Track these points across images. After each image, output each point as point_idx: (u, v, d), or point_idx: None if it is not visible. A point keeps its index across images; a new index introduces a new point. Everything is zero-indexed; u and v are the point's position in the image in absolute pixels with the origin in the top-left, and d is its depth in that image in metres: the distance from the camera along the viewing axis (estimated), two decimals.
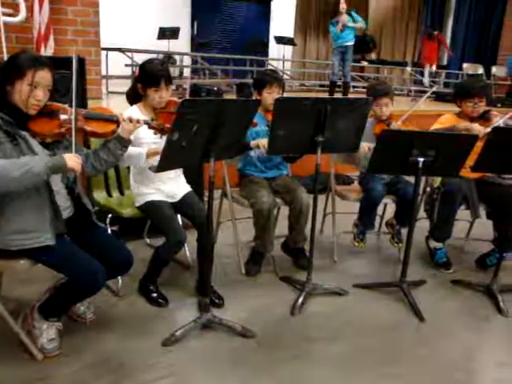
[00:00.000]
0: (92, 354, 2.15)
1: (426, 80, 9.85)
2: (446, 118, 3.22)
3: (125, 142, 2.16)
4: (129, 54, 6.72)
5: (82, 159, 1.93)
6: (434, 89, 3.00)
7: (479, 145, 2.58)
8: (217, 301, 2.60)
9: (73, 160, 1.87)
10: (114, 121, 2.14)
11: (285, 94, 3.00)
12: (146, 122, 2.24)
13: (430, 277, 3.11)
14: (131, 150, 2.28)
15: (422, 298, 2.77)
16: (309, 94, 8.52)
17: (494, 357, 2.37)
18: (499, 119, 3.03)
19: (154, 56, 7.16)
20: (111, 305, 2.56)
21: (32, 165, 1.79)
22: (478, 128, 2.96)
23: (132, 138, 2.29)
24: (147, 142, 2.49)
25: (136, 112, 2.49)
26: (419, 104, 2.97)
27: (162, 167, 2.09)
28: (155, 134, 2.31)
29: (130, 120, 2.14)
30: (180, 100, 2.06)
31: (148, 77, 2.46)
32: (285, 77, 10.12)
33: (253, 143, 2.83)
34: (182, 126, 1.98)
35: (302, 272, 2.85)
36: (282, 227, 3.18)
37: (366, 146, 2.85)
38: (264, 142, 2.74)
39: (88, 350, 2.18)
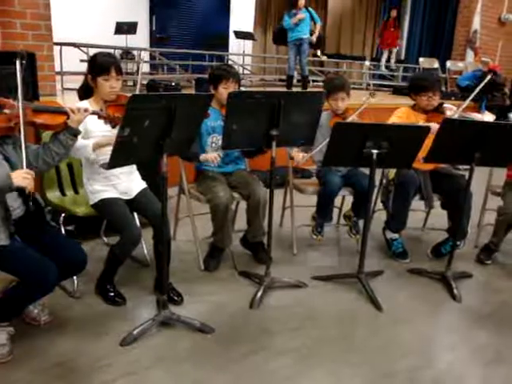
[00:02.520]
0: (46, 358, 2.09)
1: (383, 65, 10.32)
2: (401, 111, 3.28)
3: (75, 132, 2.17)
4: (84, 49, 6.53)
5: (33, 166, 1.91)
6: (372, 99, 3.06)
7: (432, 137, 2.65)
8: (175, 298, 2.58)
9: (22, 178, 1.86)
10: (64, 112, 2.15)
11: (245, 89, 3.00)
12: (95, 112, 2.27)
13: (388, 267, 3.18)
14: (78, 142, 2.25)
15: (379, 288, 2.83)
16: (269, 88, 8.52)
17: (448, 340, 2.45)
18: (454, 112, 3.10)
19: (110, 51, 7.03)
20: (67, 306, 2.50)
21: None
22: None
23: (82, 129, 2.26)
24: (97, 134, 2.45)
25: (86, 105, 2.43)
26: (371, 100, 3.03)
27: (113, 164, 2.05)
28: (105, 123, 2.31)
29: (78, 110, 2.16)
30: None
31: (98, 66, 2.44)
32: (245, 72, 10.11)
33: (202, 158, 2.84)
34: (133, 121, 1.95)
35: (262, 266, 2.85)
36: (241, 222, 3.18)
37: (301, 155, 2.96)
38: (213, 156, 2.77)
39: (42, 353, 2.12)
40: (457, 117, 3.05)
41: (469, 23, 10.64)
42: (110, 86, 2.42)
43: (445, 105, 3.19)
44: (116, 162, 2.05)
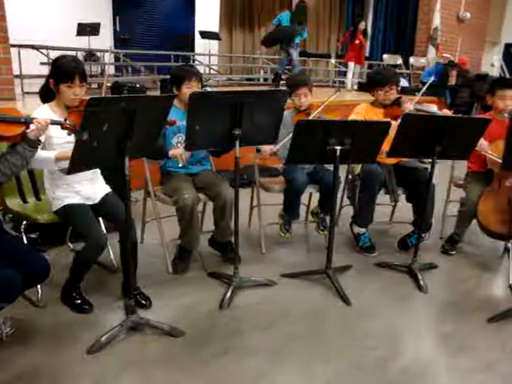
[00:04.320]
0: (7, 371, 2.03)
1: (349, 81, 9.25)
2: (360, 107, 3.33)
3: (34, 144, 2.10)
4: (44, 51, 6.39)
5: None
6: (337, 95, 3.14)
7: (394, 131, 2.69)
8: (144, 302, 2.55)
9: None
10: (23, 122, 2.06)
11: (211, 89, 2.98)
12: (58, 123, 2.19)
13: (356, 261, 3.22)
14: (40, 153, 2.19)
15: (348, 283, 2.86)
16: (236, 88, 8.51)
17: (415, 331, 2.49)
18: (410, 105, 3.16)
19: (72, 53, 6.89)
20: (32, 316, 2.44)
21: None
22: None
23: (43, 138, 2.20)
24: (59, 142, 2.38)
25: (46, 111, 2.38)
26: (333, 97, 3.08)
27: (73, 169, 2.00)
28: (69, 134, 2.23)
29: (38, 122, 2.08)
30: None
31: (61, 72, 2.34)
32: (211, 72, 10.07)
33: (171, 153, 2.82)
34: (92, 125, 1.91)
35: (231, 266, 2.83)
36: (209, 223, 3.16)
37: (268, 147, 2.97)
38: (182, 151, 2.75)
39: (4, 367, 2.05)
40: (412, 109, 3.11)
41: (429, 21, 10.90)
42: (73, 93, 2.34)
43: (403, 98, 3.25)
44: (76, 166, 2.00)
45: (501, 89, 3.21)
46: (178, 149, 2.86)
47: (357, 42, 8.76)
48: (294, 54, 8.05)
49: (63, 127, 2.20)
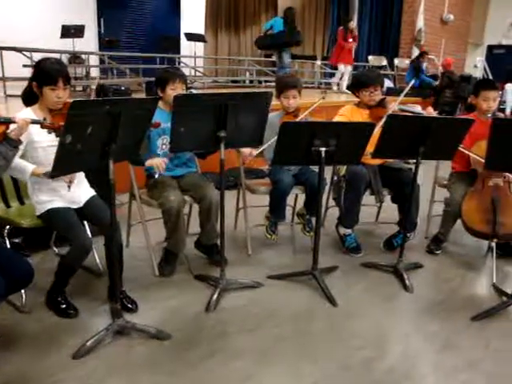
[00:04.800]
0: None
1: (344, 83, 9.06)
2: (345, 109, 3.35)
3: (15, 143, 2.09)
4: (27, 53, 6.31)
5: None
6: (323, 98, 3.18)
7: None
8: (130, 305, 2.54)
9: None
10: (2, 122, 2.07)
11: (196, 91, 2.98)
12: (37, 122, 2.17)
13: (342, 262, 3.23)
14: (17, 161, 2.17)
15: (334, 284, 2.88)
16: (222, 90, 8.51)
17: (401, 330, 2.51)
18: (394, 105, 3.19)
19: (57, 56, 6.83)
20: (16, 322, 2.41)
21: None
22: None
23: (24, 138, 2.17)
24: (43, 146, 2.36)
25: (29, 114, 2.35)
26: (320, 100, 3.11)
27: (56, 172, 1.99)
28: (49, 133, 2.21)
29: (18, 121, 2.08)
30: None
31: (44, 75, 2.32)
32: (197, 74, 10.06)
33: (147, 163, 2.80)
34: (75, 128, 1.91)
35: (217, 268, 2.83)
36: (195, 225, 3.15)
37: (248, 150, 2.97)
38: (159, 162, 2.74)
39: None
40: (397, 109, 3.14)
41: (413, 22, 11.03)
42: (57, 96, 2.32)
43: (387, 99, 3.28)
44: (59, 170, 1.99)
45: (484, 90, 3.26)
46: (154, 159, 2.82)
47: (350, 40, 8.78)
48: (286, 57, 8.37)
49: (43, 126, 2.19)
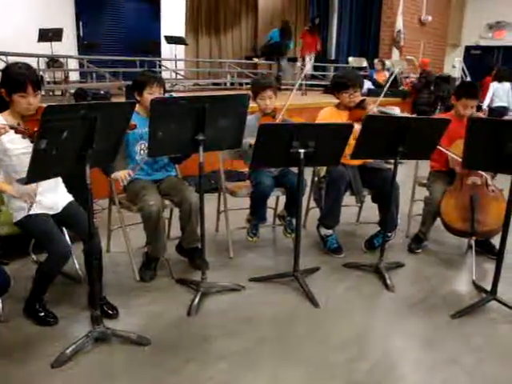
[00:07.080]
0: None
1: (309, 66, 10.41)
2: (325, 111, 3.36)
3: None
4: (3, 57, 6.19)
5: None
6: (300, 82, 3.24)
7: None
8: (110, 311, 2.51)
9: None
10: None
11: (176, 95, 2.96)
12: (11, 127, 2.13)
13: (323, 263, 3.23)
14: None
15: (316, 285, 2.88)
16: (203, 93, 8.48)
17: (382, 330, 2.52)
18: (373, 107, 3.22)
19: (34, 60, 6.73)
20: None
21: None
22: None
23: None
24: (17, 153, 2.31)
25: (0, 121, 2.30)
26: (292, 95, 3.13)
27: (31, 178, 1.96)
28: (24, 138, 2.17)
29: None
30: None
31: (11, 81, 2.25)
32: (178, 77, 10.01)
33: (113, 176, 2.78)
34: (50, 133, 1.87)
35: (199, 272, 2.81)
36: (176, 229, 3.13)
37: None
38: (123, 175, 2.71)
39: None
40: (376, 111, 3.17)
41: (393, 24, 11.14)
42: (27, 102, 2.25)
43: (366, 101, 3.30)
44: (34, 176, 1.96)
45: (466, 98, 3.30)
46: (119, 172, 2.77)
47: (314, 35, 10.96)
48: (283, 62, 10.09)
49: (17, 131, 2.14)
